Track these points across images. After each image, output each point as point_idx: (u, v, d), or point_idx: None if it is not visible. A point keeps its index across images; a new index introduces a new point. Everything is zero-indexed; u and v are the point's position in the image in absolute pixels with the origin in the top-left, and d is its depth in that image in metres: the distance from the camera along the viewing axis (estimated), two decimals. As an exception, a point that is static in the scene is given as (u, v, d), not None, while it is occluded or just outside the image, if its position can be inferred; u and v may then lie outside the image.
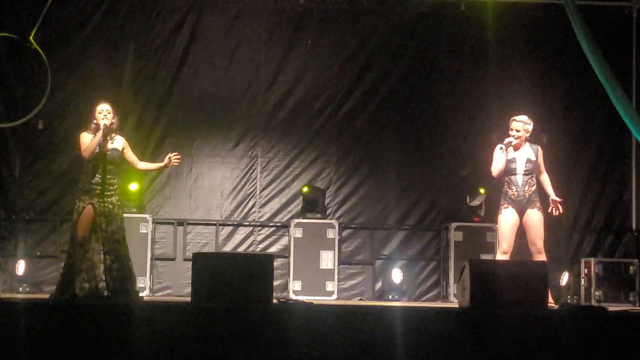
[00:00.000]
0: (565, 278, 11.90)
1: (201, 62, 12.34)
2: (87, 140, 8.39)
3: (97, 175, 8.37)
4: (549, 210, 9.16)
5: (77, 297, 8.04)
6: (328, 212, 12.30)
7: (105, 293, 8.24)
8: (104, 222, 8.32)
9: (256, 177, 12.44)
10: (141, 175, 11.72)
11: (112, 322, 6.56)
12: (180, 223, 12.17)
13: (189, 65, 12.32)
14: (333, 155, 12.58)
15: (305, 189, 12.01)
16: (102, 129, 8.35)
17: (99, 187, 8.34)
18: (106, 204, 8.34)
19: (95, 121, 8.44)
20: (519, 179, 9.03)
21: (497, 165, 9.07)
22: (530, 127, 9.14)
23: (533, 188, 9.06)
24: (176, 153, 8.70)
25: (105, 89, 11.49)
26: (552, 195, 9.15)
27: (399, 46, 12.68)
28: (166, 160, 8.68)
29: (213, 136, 12.40)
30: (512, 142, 9.07)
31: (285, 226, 12.25)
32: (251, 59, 12.43)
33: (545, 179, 9.20)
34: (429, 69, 12.66)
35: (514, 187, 9.03)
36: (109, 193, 8.39)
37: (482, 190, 12.06)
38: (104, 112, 8.43)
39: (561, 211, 9.19)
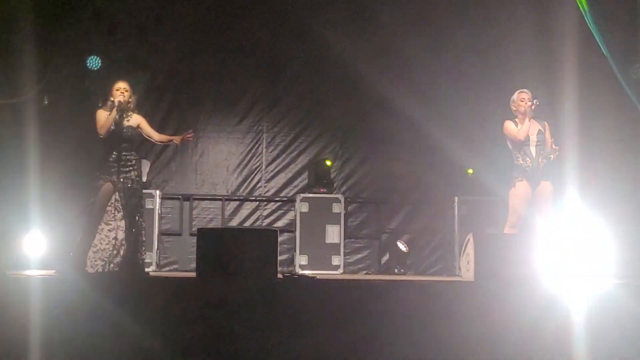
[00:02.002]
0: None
1: (207, 36, 12.31)
2: (103, 117, 8.44)
3: (114, 152, 8.42)
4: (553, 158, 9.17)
5: (89, 273, 8.09)
6: (334, 186, 12.32)
7: (116, 268, 8.30)
8: (123, 198, 8.38)
9: (262, 152, 12.46)
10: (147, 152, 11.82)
11: (119, 296, 6.60)
12: (187, 198, 12.20)
13: (195, 40, 12.29)
14: (339, 130, 12.59)
15: (328, 163, 12.06)
16: (116, 105, 8.41)
17: (116, 164, 8.38)
18: (126, 180, 8.40)
19: (112, 98, 8.51)
20: (533, 149, 9.12)
21: (523, 130, 9.10)
22: (533, 102, 9.22)
23: (546, 160, 9.14)
24: (191, 131, 8.77)
25: (110, 65, 11.50)
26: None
27: (403, 20, 12.63)
28: (180, 137, 8.74)
29: (218, 111, 12.41)
30: (535, 103, 9.15)
31: (291, 201, 12.27)
32: (256, 33, 12.39)
33: (552, 149, 9.23)
34: (434, 43, 12.62)
35: (528, 159, 9.11)
36: (127, 169, 8.44)
37: (470, 171, 12.12)
38: (121, 90, 8.51)
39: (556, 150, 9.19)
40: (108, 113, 8.48)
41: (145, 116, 8.89)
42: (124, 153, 8.45)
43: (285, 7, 12.44)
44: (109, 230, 8.33)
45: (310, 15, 12.47)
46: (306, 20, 12.46)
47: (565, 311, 6.73)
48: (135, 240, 8.39)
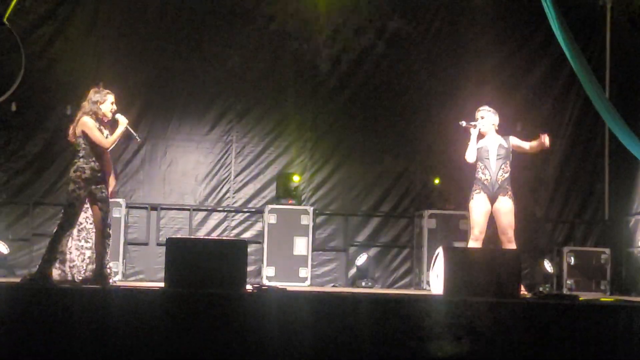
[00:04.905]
0: (548, 265, 11.94)
1: (175, 45, 12.27)
2: (95, 128, 8.22)
3: (98, 163, 8.20)
4: (542, 140, 9.12)
5: (52, 281, 7.97)
6: (302, 198, 12.29)
7: (80, 278, 8.20)
8: (104, 207, 8.18)
9: (231, 162, 12.41)
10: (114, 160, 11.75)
11: (85, 306, 6.53)
12: (154, 208, 12.11)
13: (164, 49, 12.24)
14: (308, 142, 12.58)
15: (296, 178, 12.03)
16: (127, 127, 8.29)
17: (100, 174, 8.20)
18: (103, 190, 8.22)
19: (100, 108, 8.24)
20: (493, 164, 9.06)
21: (469, 150, 9.13)
22: (496, 119, 9.23)
23: (507, 175, 9.08)
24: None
25: (79, 72, 11.45)
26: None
27: (374, 33, 12.69)
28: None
29: (188, 121, 12.34)
30: (476, 125, 9.15)
31: (259, 212, 12.23)
32: (225, 43, 12.37)
33: (531, 145, 9.22)
34: (403, 56, 12.68)
35: (487, 172, 9.07)
36: (103, 180, 8.28)
37: (436, 181, 12.20)
38: (114, 103, 8.36)
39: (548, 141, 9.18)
40: (98, 125, 8.22)
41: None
42: (101, 163, 8.30)
43: (256, 18, 12.45)
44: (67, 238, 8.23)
45: (282, 28, 12.48)
46: (277, 33, 12.48)
47: (536, 326, 6.75)
48: (105, 250, 8.26)
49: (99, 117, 8.22)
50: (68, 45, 11.99)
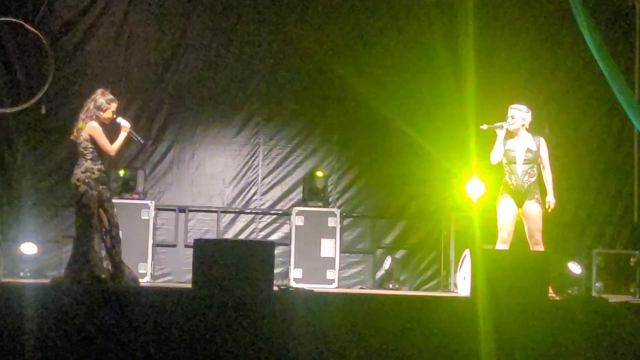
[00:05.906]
0: (576, 268, 11.85)
1: (203, 49, 12.33)
2: (102, 134, 8.39)
3: (104, 166, 8.42)
4: (546, 207, 9.16)
5: (83, 283, 8.06)
6: (329, 200, 12.30)
7: (105, 277, 8.29)
8: (110, 208, 8.40)
9: (258, 164, 12.44)
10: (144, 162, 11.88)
11: (114, 307, 6.58)
12: (182, 210, 12.17)
13: (192, 52, 12.31)
14: (335, 144, 12.58)
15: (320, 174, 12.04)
16: (129, 132, 8.54)
17: (105, 177, 8.40)
18: (107, 191, 8.42)
19: (103, 111, 8.44)
20: (519, 168, 8.99)
21: (493, 152, 9.08)
22: (528, 117, 9.14)
23: (533, 179, 9.02)
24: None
25: (108, 75, 11.53)
26: (550, 195, 9.13)
27: (398, 34, 12.66)
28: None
29: (215, 123, 12.40)
30: (502, 125, 9.08)
31: (286, 214, 12.25)
32: (253, 46, 12.41)
33: (547, 174, 9.16)
34: (429, 58, 12.63)
35: (513, 177, 9.00)
36: (108, 182, 8.49)
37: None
38: (116, 109, 8.55)
39: (551, 209, 9.18)
40: (103, 130, 8.45)
41: (133, 126, 8.88)
42: (106, 166, 8.51)
43: (284, 22, 12.47)
44: (93, 239, 8.34)
45: (310, 31, 12.49)
46: (305, 36, 12.49)
47: (565, 328, 6.73)
48: (119, 249, 8.39)
49: (100, 120, 8.41)
50: (97, 49, 12.08)
